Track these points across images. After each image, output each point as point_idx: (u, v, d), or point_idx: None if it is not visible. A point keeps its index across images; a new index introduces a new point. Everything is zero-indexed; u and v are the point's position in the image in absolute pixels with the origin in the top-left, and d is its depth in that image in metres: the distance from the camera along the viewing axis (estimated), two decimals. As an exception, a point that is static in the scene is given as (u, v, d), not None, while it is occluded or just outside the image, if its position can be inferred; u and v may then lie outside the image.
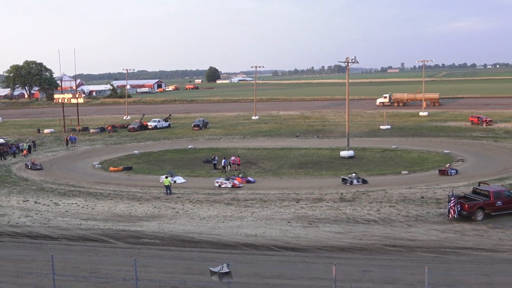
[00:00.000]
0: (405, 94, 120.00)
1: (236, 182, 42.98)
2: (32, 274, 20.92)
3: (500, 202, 31.80)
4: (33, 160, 55.11)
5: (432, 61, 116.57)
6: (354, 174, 43.57)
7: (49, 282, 19.05)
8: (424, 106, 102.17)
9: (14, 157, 61.24)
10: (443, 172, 44.77)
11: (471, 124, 78.79)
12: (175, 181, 43.67)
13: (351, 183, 41.93)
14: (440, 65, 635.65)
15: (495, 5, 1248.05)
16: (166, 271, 21.87)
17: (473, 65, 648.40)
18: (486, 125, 76.44)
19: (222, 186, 42.75)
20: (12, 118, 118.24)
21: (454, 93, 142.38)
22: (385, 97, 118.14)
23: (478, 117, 79.98)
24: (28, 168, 52.96)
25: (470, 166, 48.53)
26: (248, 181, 44.17)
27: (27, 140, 68.81)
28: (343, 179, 42.86)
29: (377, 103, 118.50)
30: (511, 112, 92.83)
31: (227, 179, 43.37)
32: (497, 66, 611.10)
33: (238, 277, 18.81)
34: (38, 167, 52.95)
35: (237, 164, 50.91)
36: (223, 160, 50.38)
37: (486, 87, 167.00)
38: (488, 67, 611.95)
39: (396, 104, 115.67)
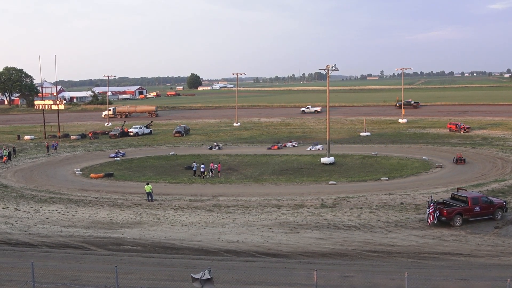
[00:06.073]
0: (127, 106, 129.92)
1: None
2: (12, 282, 20.70)
3: (478, 208, 32.39)
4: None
5: (410, 69, 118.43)
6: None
7: (29, 289, 18.92)
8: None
9: (-7, 163, 60.35)
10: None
11: (449, 131, 79.95)
12: None
13: None
14: (419, 73, 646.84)
15: (471, 15, 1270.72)
16: (148, 278, 21.81)
17: (451, 73, 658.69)
18: (464, 132, 77.61)
19: None
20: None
21: (432, 100, 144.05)
22: (110, 110, 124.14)
23: (456, 124, 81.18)
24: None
25: (449, 172, 49.26)
26: None
27: (5, 146, 67.94)
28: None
29: (103, 116, 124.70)
30: (488, 119, 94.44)
31: None
32: (474, 74, 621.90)
33: (219, 284, 18.89)
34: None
35: (218, 171, 50.97)
36: (202, 166, 50.63)
37: (464, 95, 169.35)
38: (465, 75, 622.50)
39: (119, 116, 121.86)
